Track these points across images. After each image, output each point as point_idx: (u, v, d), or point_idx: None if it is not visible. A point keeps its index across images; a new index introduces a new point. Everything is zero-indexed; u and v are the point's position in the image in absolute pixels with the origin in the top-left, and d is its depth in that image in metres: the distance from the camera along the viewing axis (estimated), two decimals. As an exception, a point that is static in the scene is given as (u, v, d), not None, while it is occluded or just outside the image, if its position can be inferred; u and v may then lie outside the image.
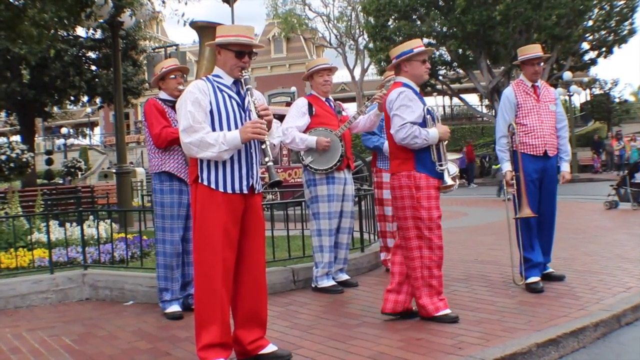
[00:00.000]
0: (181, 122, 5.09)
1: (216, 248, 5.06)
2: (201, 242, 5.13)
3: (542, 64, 7.93)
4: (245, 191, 5.19)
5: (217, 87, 5.21)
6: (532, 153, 7.62)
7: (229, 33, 5.24)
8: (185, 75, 7.68)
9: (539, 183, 7.66)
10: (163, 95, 7.41)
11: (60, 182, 34.69)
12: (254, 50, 5.33)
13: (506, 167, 7.68)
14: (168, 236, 7.24)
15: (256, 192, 5.32)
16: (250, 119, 5.19)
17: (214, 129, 5.09)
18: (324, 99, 8.24)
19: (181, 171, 7.13)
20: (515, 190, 7.55)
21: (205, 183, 5.14)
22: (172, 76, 7.42)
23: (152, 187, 7.42)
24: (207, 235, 5.09)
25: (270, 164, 5.05)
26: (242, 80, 5.27)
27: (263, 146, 5.10)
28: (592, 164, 43.36)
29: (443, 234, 6.51)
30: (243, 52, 5.22)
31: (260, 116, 5.12)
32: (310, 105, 8.13)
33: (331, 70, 8.26)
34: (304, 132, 7.99)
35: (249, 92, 5.24)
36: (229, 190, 5.13)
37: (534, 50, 7.97)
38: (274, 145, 5.38)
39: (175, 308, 7.22)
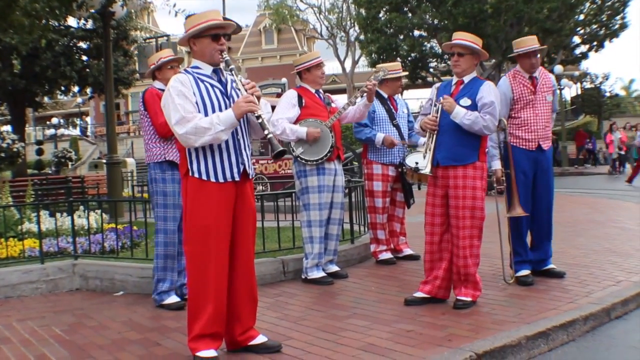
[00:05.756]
0: (172, 116, 5.04)
1: (208, 239, 5.08)
2: (193, 233, 5.14)
3: (538, 55, 7.68)
4: (237, 178, 5.20)
5: (198, 78, 5.20)
6: (525, 147, 7.53)
7: (199, 21, 5.22)
8: (180, 66, 7.67)
9: (531, 176, 7.58)
10: (159, 84, 7.36)
11: (49, 172, 34.56)
12: (228, 31, 5.37)
13: (496, 164, 7.51)
14: (170, 225, 7.21)
15: (250, 177, 5.33)
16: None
17: None
18: (313, 91, 8.25)
19: None
20: (505, 187, 7.50)
21: (197, 175, 5.13)
22: (169, 67, 7.41)
23: (149, 176, 7.33)
24: (199, 226, 5.09)
25: (271, 135, 5.10)
26: (225, 62, 5.27)
27: (259, 120, 5.11)
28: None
29: (430, 227, 6.81)
30: (218, 34, 5.23)
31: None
32: (300, 97, 8.13)
33: (323, 63, 8.31)
34: (294, 123, 7.99)
35: (233, 72, 5.25)
36: (221, 180, 5.13)
37: (530, 42, 7.72)
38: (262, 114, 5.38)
39: (175, 298, 7.19)
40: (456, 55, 6.75)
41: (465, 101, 6.63)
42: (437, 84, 7.20)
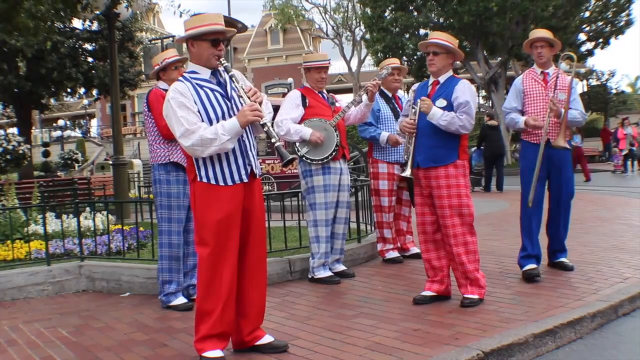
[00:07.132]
0: (177, 129, 5.05)
1: (219, 240, 5.08)
2: (204, 236, 5.13)
3: (545, 47, 7.72)
4: (245, 180, 5.20)
5: (197, 84, 5.18)
6: (534, 141, 7.60)
7: (201, 23, 5.20)
8: (185, 66, 7.64)
9: (545, 172, 7.62)
10: (163, 85, 7.33)
11: (44, 175, 34.52)
12: (227, 36, 5.38)
13: (522, 120, 7.65)
14: (175, 227, 7.20)
15: (257, 176, 5.34)
16: (236, 106, 5.22)
17: None
18: (316, 91, 8.24)
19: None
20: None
21: (205, 180, 5.13)
22: (174, 67, 7.39)
23: (153, 177, 7.32)
24: (210, 229, 5.09)
25: (278, 144, 5.10)
26: (224, 67, 5.26)
27: (265, 128, 5.14)
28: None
29: (422, 227, 6.94)
30: (218, 39, 5.21)
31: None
32: (303, 97, 8.13)
33: (327, 67, 8.31)
34: (299, 123, 7.99)
35: (233, 78, 5.24)
36: (230, 183, 5.13)
37: (537, 34, 7.87)
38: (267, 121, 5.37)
39: (182, 300, 7.20)
40: (431, 54, 6.84)
41: (441, 102, 6.69)
42: (414, 86, 7.22)
